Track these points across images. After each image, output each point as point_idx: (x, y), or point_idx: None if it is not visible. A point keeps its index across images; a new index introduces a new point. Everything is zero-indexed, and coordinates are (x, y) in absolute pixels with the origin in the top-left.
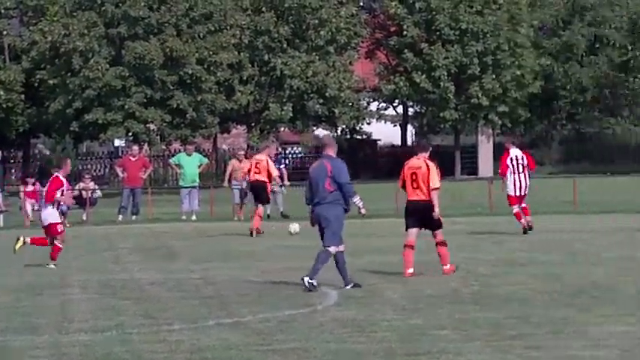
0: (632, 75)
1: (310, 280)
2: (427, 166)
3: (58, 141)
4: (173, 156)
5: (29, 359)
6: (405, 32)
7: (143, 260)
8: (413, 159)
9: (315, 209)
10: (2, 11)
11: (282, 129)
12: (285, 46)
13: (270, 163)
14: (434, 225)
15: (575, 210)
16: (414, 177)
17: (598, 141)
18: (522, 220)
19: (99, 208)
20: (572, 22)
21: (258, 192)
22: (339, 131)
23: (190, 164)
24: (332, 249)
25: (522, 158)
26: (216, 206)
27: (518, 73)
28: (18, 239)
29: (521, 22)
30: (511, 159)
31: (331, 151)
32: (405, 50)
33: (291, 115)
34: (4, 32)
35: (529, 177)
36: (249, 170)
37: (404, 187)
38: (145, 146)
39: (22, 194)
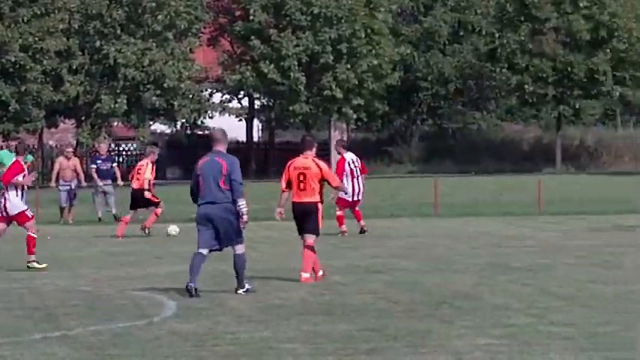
0: (499, 65)
1: (245, 288)
2: (318, 166)
3: None
4: None
5: None
6: (251, 17)
7: None
8: (299, 158)
9: (206, 209)
10: None
11: (116, 123)
12: (118, 32)
13: (149, 168)
14: (309, 228)
15: (437, 213)
16: (301, 177)
17: (462, 137)
18: (343, 227)
19: None
20: (434, 7)
21: (137, 199)
22: (178, 126)
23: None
24: (242, 247)
25: (357, 161)
26: (42, 208)
27: (376, 62)
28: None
29: (378, 6)
30: (349, 163)
31: (222, 147)
32: (252, 37)
33: (126, 108)
34: None
35: (363, 182)
36: (131, 177)
37: (289, 187)
38: None
39: None
